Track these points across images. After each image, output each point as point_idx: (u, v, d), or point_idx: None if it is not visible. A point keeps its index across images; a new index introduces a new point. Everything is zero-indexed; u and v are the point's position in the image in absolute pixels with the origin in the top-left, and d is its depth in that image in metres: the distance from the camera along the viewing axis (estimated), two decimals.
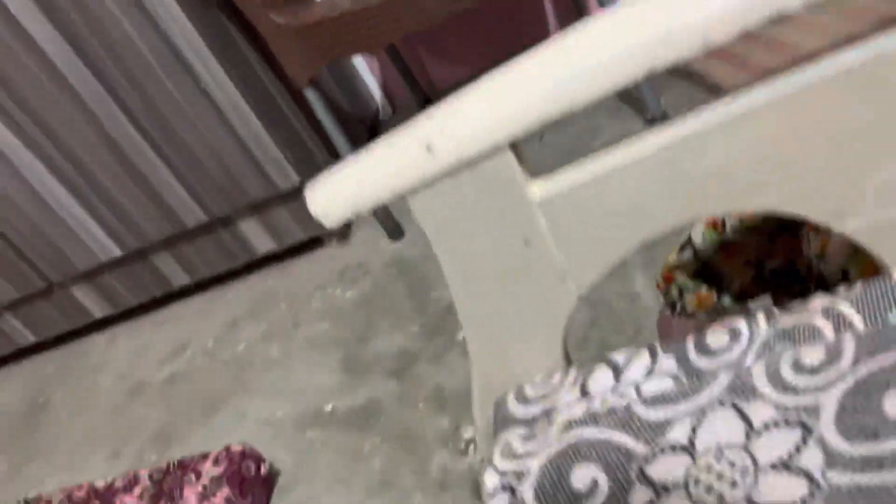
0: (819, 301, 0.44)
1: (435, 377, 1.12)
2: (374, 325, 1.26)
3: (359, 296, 1.34)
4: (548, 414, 0.48)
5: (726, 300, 0.72)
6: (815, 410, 0.40)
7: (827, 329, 0.43)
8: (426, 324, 1.20)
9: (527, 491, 0.45)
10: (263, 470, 1.08)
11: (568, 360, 0.51)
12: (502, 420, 0.50)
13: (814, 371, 0.41)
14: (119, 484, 1.11)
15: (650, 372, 0.47)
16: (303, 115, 1.38)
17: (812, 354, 0.42)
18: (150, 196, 1.34)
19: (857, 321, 0.42)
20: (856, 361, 0.40)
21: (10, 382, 1.63)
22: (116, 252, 1.40)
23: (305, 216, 1.40)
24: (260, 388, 1.26)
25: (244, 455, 1.06)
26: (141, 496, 1.08)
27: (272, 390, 1.25)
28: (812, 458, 0.38)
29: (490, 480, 0.47)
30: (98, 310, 1.53)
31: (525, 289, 0.47)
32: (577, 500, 0.43)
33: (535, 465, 0.46)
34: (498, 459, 0.48)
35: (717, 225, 0.63)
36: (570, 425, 0.46)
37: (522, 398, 0.50)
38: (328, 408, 1.17)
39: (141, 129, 1.27)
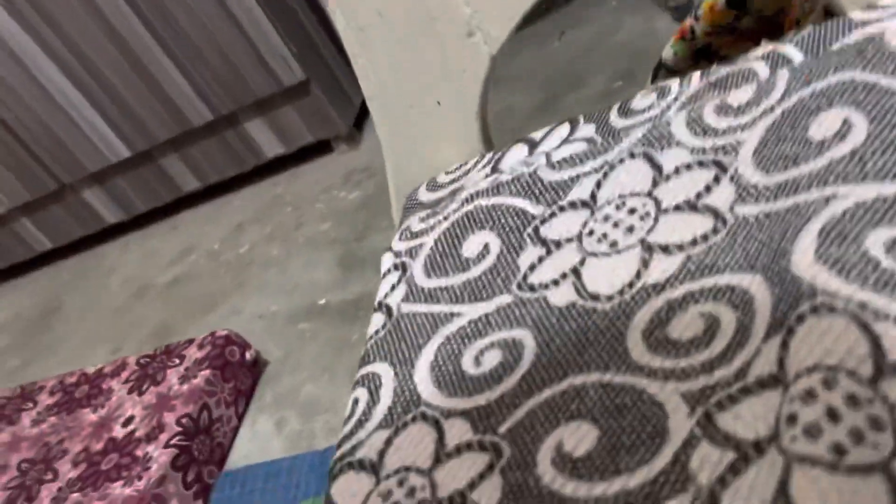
0: (761, 48, 0.38)
1: None
2: (374, 223, 1.22)
3: (362, 197, 1.29)
4: (454, 194, 0.43)
5: None
6: (733, 148, 0.34)
7: (762, 70, 0.36)
8: None
9: (416, 265, 0.40)
10: (249, 356, 1.05)
11: (489, 146, 0.46)
12: (410, 209, 0.45)
13: (739, 111, 0.35)
14: (108, 370, 1.10)
15: (565, 140, 0.41)
16: (308, 6, 1.34)
17: (740, 95, 0.36)
18: (155, 93, 1.31)
19: (798, 58, 0.36)
20: (786, 93, 0.34)
21: (28, 288, 1.64)
22: (125, 153, 1.39)
23: (312, 117, 1.36)
24: (257, 285, 1.24)
25: (229, 340, 1.04)
26: (126, 380, 1.06)
27: (269, 288, 1.22)
28: (722, 196, 0.32)
29: (385, 263, 0.42)
30: (110, 215, 1.52)
31: (430, 49, 0.42)
32: (466, 266, 0.37)
33: (429, 240, 0.40)
34: (395, 242, 0.43)
35: (684, 34, 0.56)
36: (470, 198, 0.41)
37: (433, 186, 0.45)
38: (321, 302, 1.13)
39: (145, 22, 1.24)
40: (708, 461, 0.24)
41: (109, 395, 1.05)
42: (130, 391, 1.03)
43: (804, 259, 0.27)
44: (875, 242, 0.27)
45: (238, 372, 1.03)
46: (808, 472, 0.22)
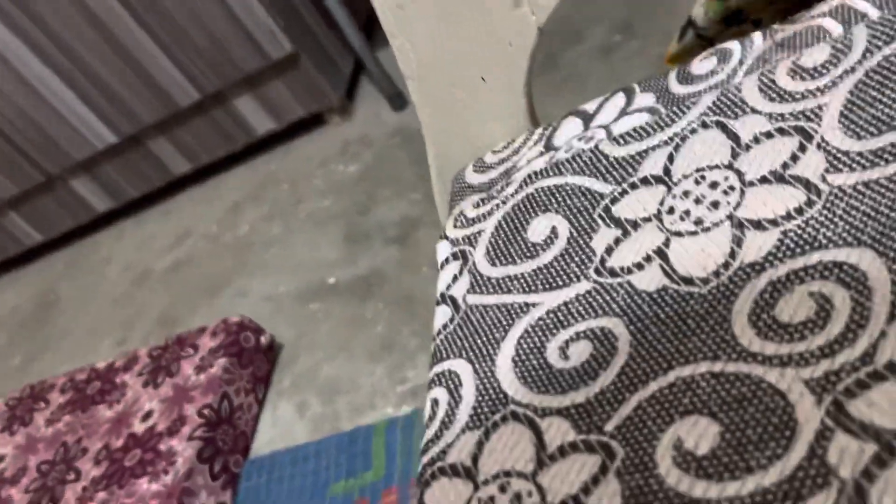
0: (826, 4, 0.36)
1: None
2: (376, 195, 1.20)
3: (361, 169, 1.27)
4: (507, 174, 0.41)
5: None
6: (816, 113, 0.32)
7: (834, 28, 0.35)
8: (429, 190, 1.13)
9: (478, 253, 0.38)
10: (263, 341, 1.03)
11: (536, 122, 0.44)
12: (459, 192, 0.43)
13: (815, 72, 0.33)
14: (119, 364, 1.08)
15: (624, 112, 0.39)
16: None
17: (814, 56, 0.34)
18: (139, 75, 1.27)
19: (872, 12, 0.34)
20: (868, 51, 0.32)
21: (21, 282, 1.61)
22: (111, 138, 1.35)
23: (303, 90, 1.33)
24: (261, 266, 1.21)
25: (242, 326, 1.02)
26: (140, 373, 1.04)
27: (273, 268, 1.20)
28: (811, 165, 0.31)
29: (441, 252, 0.41)
30: (100, 203, 1.49)
31: (473, 22, 0.40)
32: (534, 252, 0.36)
33: (489, 226, 0.39)
34: (450, 230, 0.41)
35: None
36: (529, 179, 0.39)
37: (481, 167, 0.43)
38: (330, 280, 1.11)
39: (123, 1, 1.20)
40: (848, 453, 0.23)
41: (124, 390, 1.03)
42: (145, 385, 1.02)
43: None
44: None
45: (254, 358, 1.01)
46: None
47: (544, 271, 0.35)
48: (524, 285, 0.35)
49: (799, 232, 0.29)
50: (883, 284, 0.26)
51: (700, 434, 0.26)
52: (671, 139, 0.35)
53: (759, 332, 0.27)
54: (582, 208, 0.36)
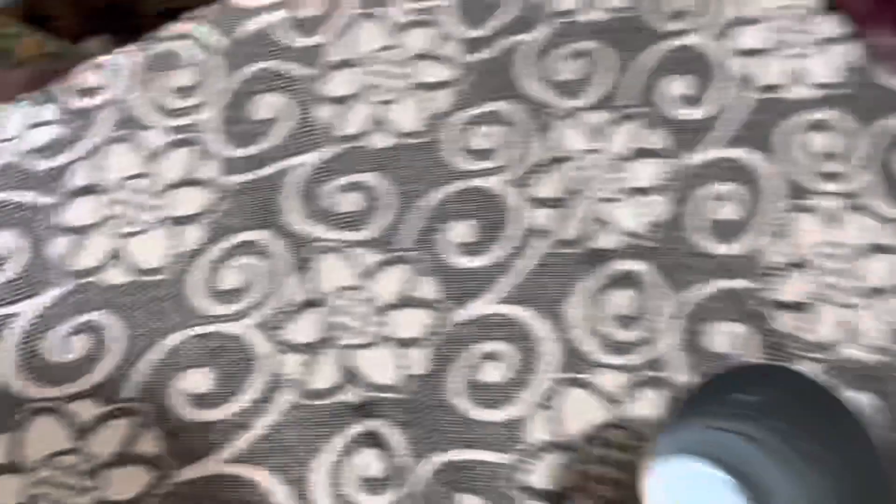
0: (180, 24, 0.48)
1: None
2: None
3: None
4: None
5: (59, 44, 0.70)
6: (197, 126, 0.45)
7: (189, 50, 0.47)
8: None
9: None
10: None
11: None
12: None
13: (187, 91, 0.45)
14: None
15: (35, 124, 0.45)
16: None
17: (181, 76, 0.46)
18: None
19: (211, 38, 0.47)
20: (221, 76, 0.46)
21: None
22: None
23: None
24: None
25: None
26: None
27: None
28: (208, 168, 0.44)
29: None
30: None
31: None
32: None
33: None
34: None
35: None
36: None
37: None
38: None
39: None
40: (292, 364, 0.39)
41: None
42: None
43: (297, 216, 0.42)
44: (329, 192, 0.43)
45: None
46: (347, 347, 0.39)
47: (13, 284, 0.41)
48: None
49: (218, 221, 0.42)
50: (282, 253, 0.42)
51: (198, 380, 0.39)
52: (89, 151, 0.44)
53: (213, 298, 0.41)
54: (29, 220, 0.42)
